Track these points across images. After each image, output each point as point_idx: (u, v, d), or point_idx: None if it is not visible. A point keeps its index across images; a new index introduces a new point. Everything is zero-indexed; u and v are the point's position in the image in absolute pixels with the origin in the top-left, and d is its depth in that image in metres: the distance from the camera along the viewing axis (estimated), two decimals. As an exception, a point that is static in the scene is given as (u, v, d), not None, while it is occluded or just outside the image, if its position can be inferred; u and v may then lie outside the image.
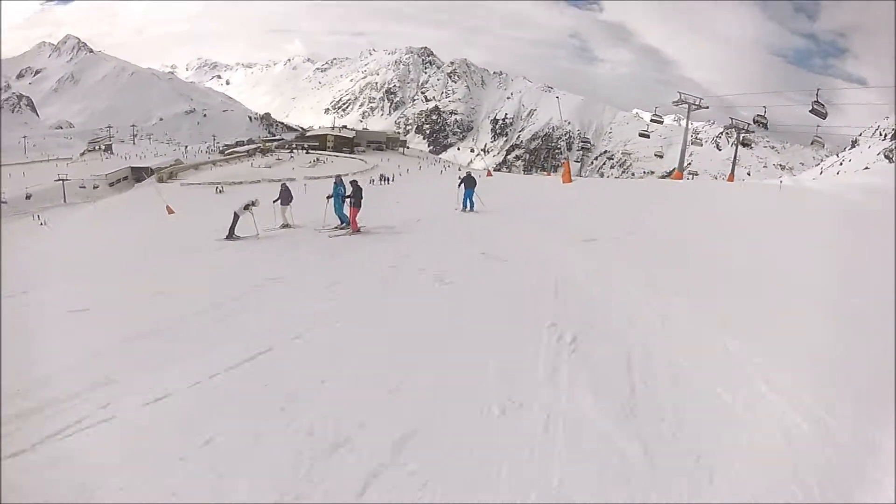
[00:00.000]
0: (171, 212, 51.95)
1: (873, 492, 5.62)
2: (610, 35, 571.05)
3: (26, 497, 6.18)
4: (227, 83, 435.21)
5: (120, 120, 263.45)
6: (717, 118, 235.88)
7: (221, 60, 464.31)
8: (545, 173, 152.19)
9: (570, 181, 42.86)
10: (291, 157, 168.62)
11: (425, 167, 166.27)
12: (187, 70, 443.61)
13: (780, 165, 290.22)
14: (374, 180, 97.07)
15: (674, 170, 68.37)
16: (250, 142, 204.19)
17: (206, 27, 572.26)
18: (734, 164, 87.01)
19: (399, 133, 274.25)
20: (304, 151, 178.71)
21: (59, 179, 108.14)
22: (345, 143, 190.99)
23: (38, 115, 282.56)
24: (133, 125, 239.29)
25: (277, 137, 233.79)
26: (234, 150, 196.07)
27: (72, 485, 6.33)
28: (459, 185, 31.87)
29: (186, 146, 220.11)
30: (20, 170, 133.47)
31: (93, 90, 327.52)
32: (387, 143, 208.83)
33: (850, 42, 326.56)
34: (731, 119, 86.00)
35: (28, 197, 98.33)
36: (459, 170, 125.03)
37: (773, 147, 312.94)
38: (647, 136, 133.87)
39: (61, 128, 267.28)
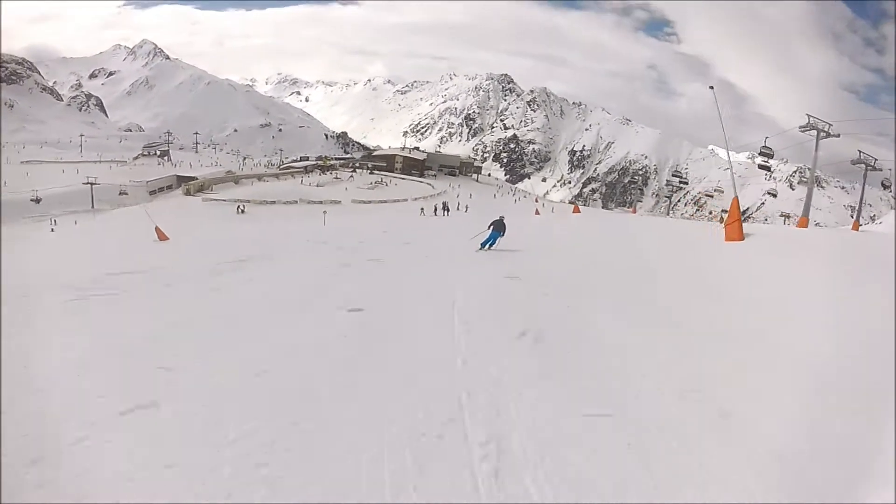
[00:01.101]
0: (162, 237, 36.52)
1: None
2: (687, 67, 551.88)
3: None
4: (307, 100, 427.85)
5: (193, 128, 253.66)
6: (790, 156, 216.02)
7: (302, 77, 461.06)
8: (630, 209, 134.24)
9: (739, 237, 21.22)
10: (351, 176, 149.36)
11: (500, 196, 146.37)
12: (267, 84, 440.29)
13: (851, 206, 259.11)
14: (423, 210, 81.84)
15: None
16: (320, 158, 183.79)
17: (287, 43, 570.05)
18: (860, 208, 68.62)
19: (475, 159, 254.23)
20: (369, 171, 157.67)
21: (88, 183, 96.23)
22: (414, 166, 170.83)
23: (107, 115, 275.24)
24: (196, 133, 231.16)
25: (345, 156, 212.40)
26: (290, 165, 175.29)
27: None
28: (489, 227, 27.27)
29: (245, 158, 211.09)
30: (69, 168, 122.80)
31: (168, 97, 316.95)
32: (460, 168, 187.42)
33: None
34: (860, 153, 64.66)
35: (37, 200, 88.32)
36: (536, 201, 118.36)
37: (842, 188, 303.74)
38: (769, 168, 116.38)
39: (130, 130, 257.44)
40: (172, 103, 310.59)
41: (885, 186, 74.92)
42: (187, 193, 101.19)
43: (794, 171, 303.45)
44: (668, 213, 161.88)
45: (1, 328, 10.06)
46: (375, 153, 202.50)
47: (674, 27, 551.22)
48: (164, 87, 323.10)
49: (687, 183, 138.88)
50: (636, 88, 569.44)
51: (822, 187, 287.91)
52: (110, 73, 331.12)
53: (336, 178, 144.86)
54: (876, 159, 65.98)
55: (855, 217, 62.91)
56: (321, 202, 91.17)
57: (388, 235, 35.84)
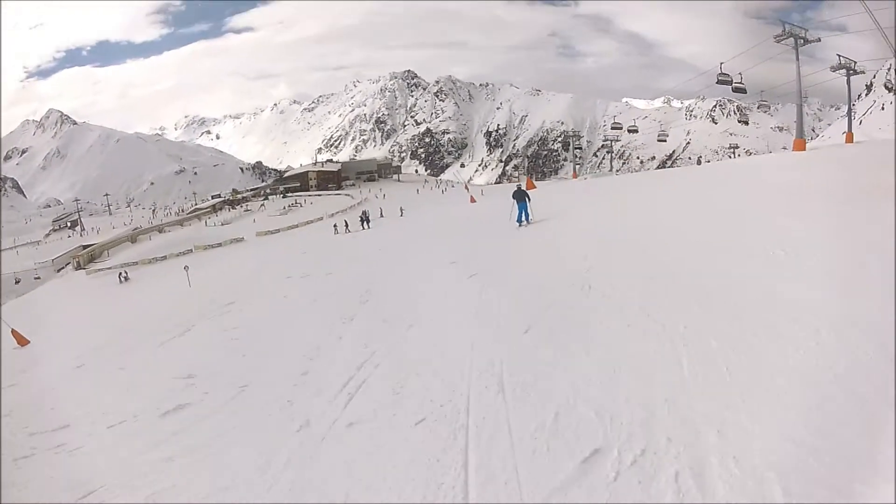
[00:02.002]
0: (22, 341, 27.88)
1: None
2: (589, 27, 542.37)
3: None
4: (217, 137, 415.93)
5: (111, 189, 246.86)
6: (707, 92, 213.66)
7: (209, 115, 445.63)
8: (572, 175, 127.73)
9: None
10: (262, 205, 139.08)
11: (425, 191, 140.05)
12: (176, 129, 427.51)
13: (779, 127, 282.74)
14: (337, 226, 69.95)
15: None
16: (234, 192, 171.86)
17: (190, 82, 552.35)
18: (850, 119, 61.39)
19: (391, 159, 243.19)
20: (281, 196, 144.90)
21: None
22: (330, 179, 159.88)
23: (24, 195, 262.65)
24: (106, 194, 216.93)
25: (258, 186, 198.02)
26: (198, 207, 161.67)
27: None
28: (513, 202, 28.41)
29: (154, 209, 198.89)
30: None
31: (80, 162, 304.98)
32: (379, 171, 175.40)
33: None
34: (839, 57, 58.46)
35: None
36: (466, 188, 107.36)
37: (765, 111, 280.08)
38: (636, 131, 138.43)
39: (49, 206, 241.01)
40: (86, 168, 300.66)
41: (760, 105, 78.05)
42: (77, 267, 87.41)
43: (714, 106, 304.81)
44: (613, 170, 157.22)
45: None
46: (287, 174, 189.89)
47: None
48: (75, 153, 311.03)
49: (637, 130, 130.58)
50: (541, 57, 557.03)
51: (743, 115, 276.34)
52: (23, 151, 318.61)
53: (246, 210, 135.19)
54: (855, 62, 59.53)
55: (847, 129, 56.87)
56: (220, 244, 79.47)
57: (286, 275, 30.01)
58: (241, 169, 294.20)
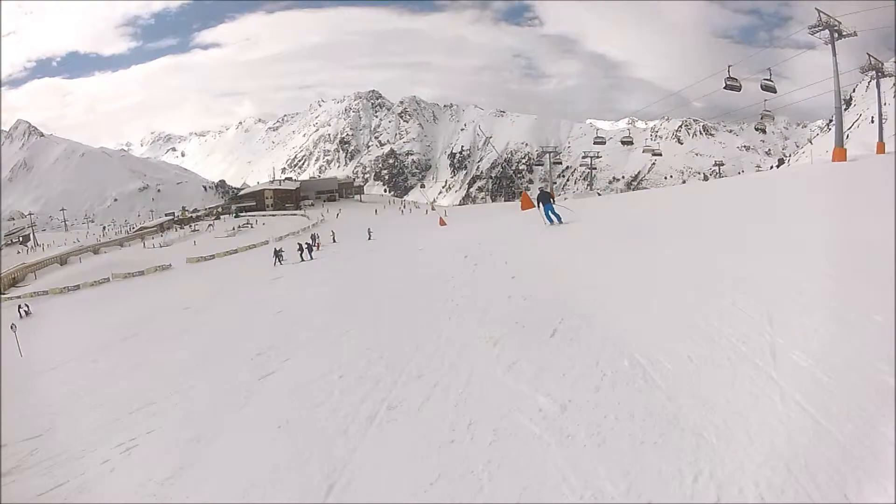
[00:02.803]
0: None
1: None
2: (553, 48, 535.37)
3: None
4: (182, 154, 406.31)
5: (75, 204, 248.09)
6: (673, 112, 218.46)
7: (175, 132, 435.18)
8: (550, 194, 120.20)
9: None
10: (211, 226, 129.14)
11: (386, 212, 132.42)
12: (142, 146, 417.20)
13: (745, 147, 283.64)
14: (279, 256, 55.70)
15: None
16: (184, 211, 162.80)
17: (156, 97, 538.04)
18: (881, 126, 55.04)
19: (353, 178, 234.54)
20: (234, 216, 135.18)
21: None
22: (287, 198, 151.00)
23: None
24: (62, 209, 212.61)
25: (215, 205, 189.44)
26: (144, 226, 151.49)
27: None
28: (538, 204, 28.11)
29: (104, 227, 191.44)
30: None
31: (46, 175, 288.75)
32: (339, 190, 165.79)
33: (793, 9, 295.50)
34: (869, 56, 54.96)
35: None
36: (433, 208, 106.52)
37: (730, 131, 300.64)
38: (603, 143, 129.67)
39: (13, 219, 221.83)
40: (51, 181, 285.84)
41: (764, 117, 73.55)
42: (-6, 291, 75.04)
43: (680, 126, 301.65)
44: (593, 188, 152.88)
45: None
46: (242, 193, 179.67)
47: (534, 11, 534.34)
48: (41, 166, 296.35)
49: (632, 142, 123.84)
50: (505, 79, 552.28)
51: (710, 135, 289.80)
52: None
53: (194, 230, 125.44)
54: (883, 62, 56.39)
55: (879, 137, 53.33)
56: (142, 272, 68.58)
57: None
58: (205, 187, 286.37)
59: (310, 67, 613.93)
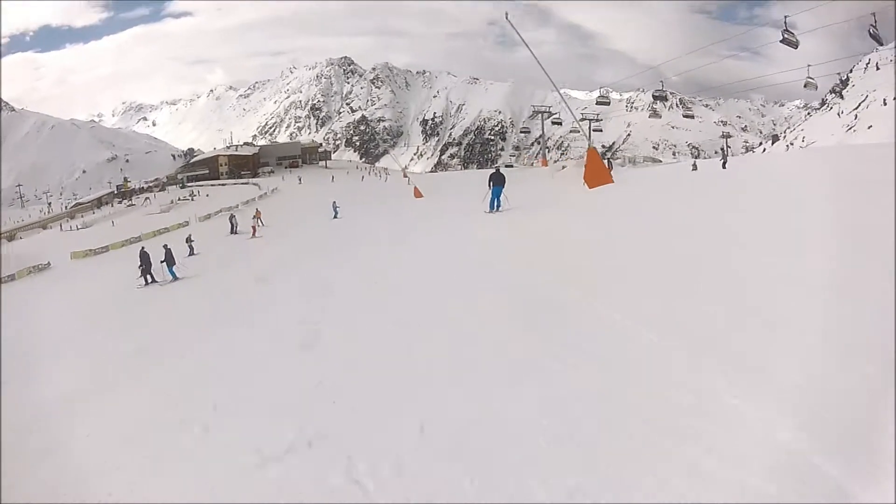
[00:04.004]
0: None
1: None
2: (528, 17, 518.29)
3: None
4: (154, 124, 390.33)
5: (45, 177, 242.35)
6: (647, 85, 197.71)
7: (146, 101, 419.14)
8: (540, 161, 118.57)
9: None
10: (147, 200, 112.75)
11: (349, 180, 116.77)
12: (114, 116, 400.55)
13: (723, 122, 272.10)
14: (191, 243, 41.77)
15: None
16: (125, 182, 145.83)
17: (129, 68, 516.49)
18: None
19: (320, 144, 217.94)
20: (180, 186, 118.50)
21: None
22: (243, 165, 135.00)
23: None
24: (19, 185, 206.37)
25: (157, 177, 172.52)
26: (80, 202, 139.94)
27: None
28: (489, 184, 26.94)
29: (50, 203, 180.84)
30: None
31: (16, 150, 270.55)
32: (303, 155, 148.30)
33: None
34: (871, 27, 51.19)
35: None
36: (405, 175, 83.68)
37: (706, 105, 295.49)
38: (560, 124, 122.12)
39: None
40: (20, 156, 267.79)
41: (808, 84, 67.69)
42: None
43: (656, 99, 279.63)
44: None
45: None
46: (195, 160, 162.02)
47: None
48: (11, 140, 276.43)
49: (561, 123, 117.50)
50: (479, 46, 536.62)
51: (687, 108, 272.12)
52: None
53: (129, 205, 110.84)
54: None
55: None
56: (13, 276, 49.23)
57: None
58: (174, 156, 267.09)
59: (283, 34, 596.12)
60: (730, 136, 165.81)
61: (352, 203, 58.43)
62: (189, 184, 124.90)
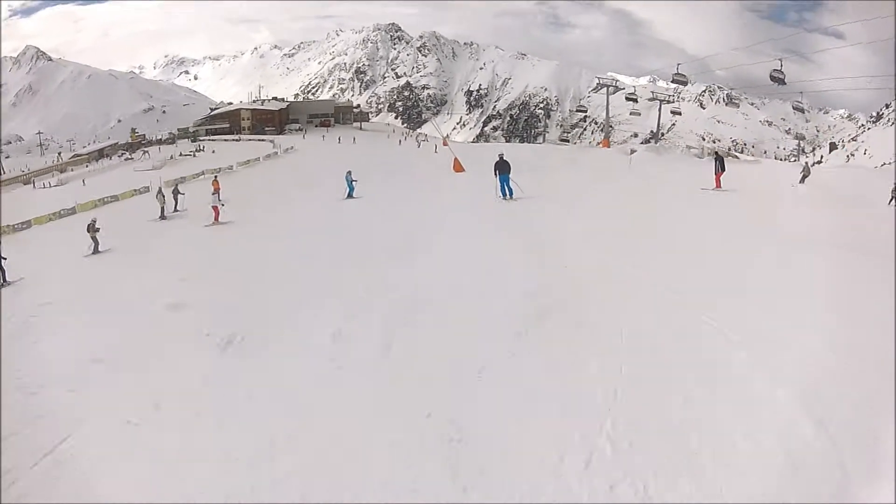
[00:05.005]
0: None
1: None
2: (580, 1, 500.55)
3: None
4: (195, 78, 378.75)
5: (78, 126, 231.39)
6: (696, 77, 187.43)
7: (189, 55, 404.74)
8: (602, 143, 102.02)
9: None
10: (146, 153, 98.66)
11: (380, 145, 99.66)
12: (155, 69, 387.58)
13: (768, 122, 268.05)
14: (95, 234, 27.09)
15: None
16: (133, 132, 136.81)
17: (172, 24, 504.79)
18: None
19: (357, 104, 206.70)
20: (191, 140, 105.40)
21: None
22: (269, 120, 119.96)
23: None
24: (39, 132, 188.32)
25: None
26: (78, 154, 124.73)
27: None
28: (495, 173, 26.47)
29: (60, 153, 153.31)
30: None
31: (51, 99, 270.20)
32: (336, 114, 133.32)
33: None
34: None
35: None
36: (444, 143, 77.00)
37: (752, 103, 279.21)
38: (635, 101, 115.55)
39: (10, 143, 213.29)
40: (55, 105, 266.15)
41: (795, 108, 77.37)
42: None
43: (704, 91, 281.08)
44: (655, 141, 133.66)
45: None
46: (216, 112, 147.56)
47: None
48: (46, 90, 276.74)
49: (636, 100, 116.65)
50: (528, 23, 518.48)
51: (735, 104, 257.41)
52: None
53: (127, 159, 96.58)
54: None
55: None
56: None
57: None
58: (211, 109, 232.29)
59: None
60: (803, 139, 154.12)
61: (377, 174, 46.14)
62: (203, 138, 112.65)
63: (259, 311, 14.12)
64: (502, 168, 25.50)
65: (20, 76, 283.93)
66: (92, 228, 26.41)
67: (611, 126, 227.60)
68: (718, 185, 27.64)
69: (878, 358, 7.32)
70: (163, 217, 33.61)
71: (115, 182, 62.30)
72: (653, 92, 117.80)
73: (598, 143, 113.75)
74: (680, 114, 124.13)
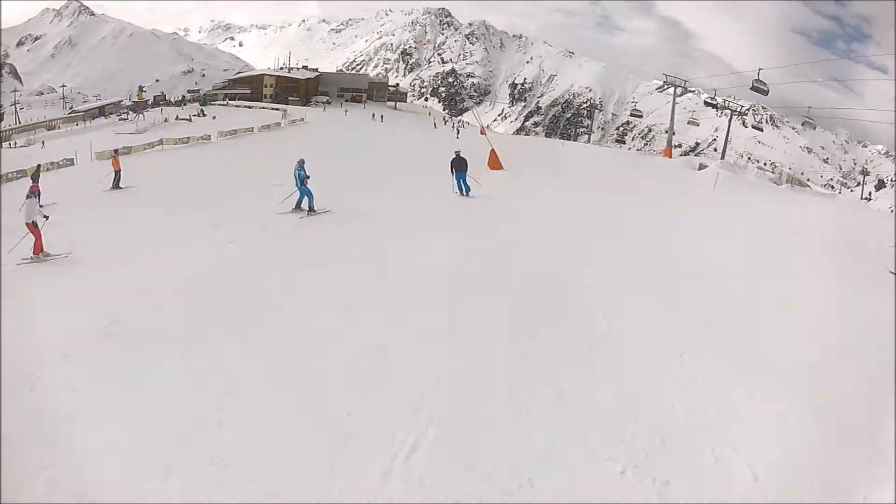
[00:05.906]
0: None
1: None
2: (631, 5, 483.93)
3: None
4: (240, 45, 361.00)
5: (114, 83, 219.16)
6: (738, 93, 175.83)
7: (236, 22, 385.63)
8: (664, 152, 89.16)
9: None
10: (139, 115, 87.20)
11: (410, 121, 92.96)
12: (200, 32, 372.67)
13: (808, 148, 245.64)
14: None
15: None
16: (140, 91, 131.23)
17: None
18: None
19: (396, 83, 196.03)
20: (200, 103, 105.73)
21: None
22: (293, 90, 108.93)
23: (21, 82, 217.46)
24: (63, 85, 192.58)
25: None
26: (75, 110, 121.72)
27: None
28: (451, 170, 26.07)
29: (71, 109, 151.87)
30: None
31: (90, 54, 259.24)
32: (370, 91, 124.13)
33: (874, 28, 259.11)
34: None
35: None
36: (482, 133, 60.54)
37: (793, 128, 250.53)
38: (714, 106, 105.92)
39: (42, 94, 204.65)
40: (93, 60, 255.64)
41: (805, 123, 75.57)
42: None
43: (748, 109, 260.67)
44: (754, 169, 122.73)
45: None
46: (238, 76, 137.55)
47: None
48: (86, 44, 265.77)
49: (716, 106, 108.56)
50: (578, 22, 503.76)
51: (777, 127, 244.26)
52: (36, 38, 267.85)
53: (121, 119, 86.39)
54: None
55: None
56: None
57: None
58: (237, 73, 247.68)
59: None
60: (867, 174, 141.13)
61: (388, 167, 38.13)
62: (217, 102, 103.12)
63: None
64: (459, 165, 25.42)
65: (61, 28, 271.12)
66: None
67: (673, 132, 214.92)
68: None
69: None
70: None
71: (80, 146, 47.59)
72: (724, 100, 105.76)
73: (655, 152, 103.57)
74: (762, 130, 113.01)
